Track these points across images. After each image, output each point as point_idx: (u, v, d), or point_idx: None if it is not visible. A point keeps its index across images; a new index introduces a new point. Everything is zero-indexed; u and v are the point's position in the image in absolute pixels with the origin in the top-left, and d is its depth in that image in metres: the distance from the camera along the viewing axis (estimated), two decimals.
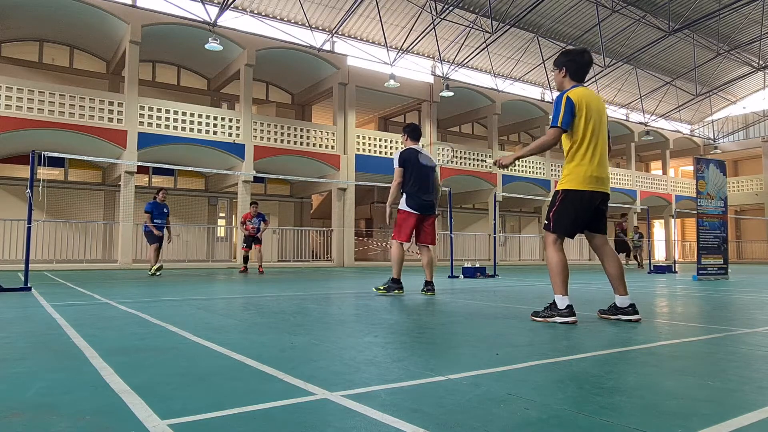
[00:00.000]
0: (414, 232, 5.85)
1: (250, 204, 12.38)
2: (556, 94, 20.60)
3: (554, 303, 3.58)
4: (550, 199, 3.78)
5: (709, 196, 10.11)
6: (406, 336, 3.10)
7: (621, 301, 3.67)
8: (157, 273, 10.12)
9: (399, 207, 5.86)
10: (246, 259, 12.32)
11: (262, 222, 11.95)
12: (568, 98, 3.57)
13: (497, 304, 5.01)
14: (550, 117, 3.65)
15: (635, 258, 18.68)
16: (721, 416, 1.56)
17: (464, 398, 1.74)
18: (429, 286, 5.93)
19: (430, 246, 5.95)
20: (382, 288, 5.94)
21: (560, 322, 3.49)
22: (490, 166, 4.72)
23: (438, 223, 24.55)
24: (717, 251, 10.21)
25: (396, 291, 5.85)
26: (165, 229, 10.53)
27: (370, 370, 2.16)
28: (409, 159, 5.84)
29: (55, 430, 1.43)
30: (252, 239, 12.00)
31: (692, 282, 9.09)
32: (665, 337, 3.08)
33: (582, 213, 3.63)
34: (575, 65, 3.74)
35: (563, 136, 3.65)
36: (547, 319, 3.57)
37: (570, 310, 3.51)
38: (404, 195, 5.82)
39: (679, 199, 29.56)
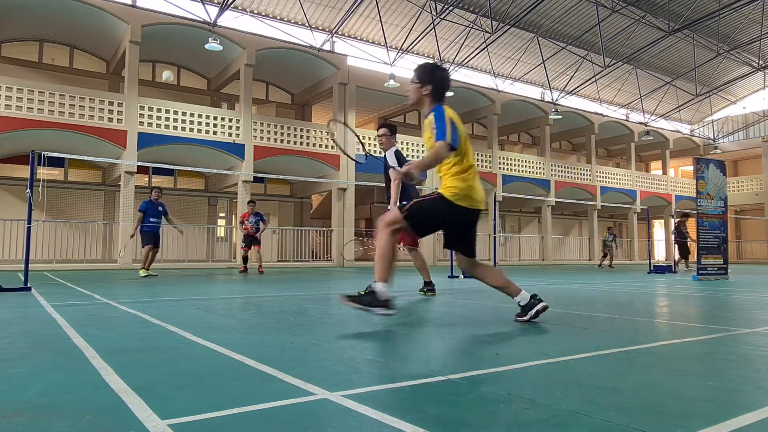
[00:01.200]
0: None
1: (248, 203, 12.39)
2: (555, 93, 20.47)
3: (374, 291, 3.21)
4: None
5: (709, 196, 10.11)
6: (406, 336, 3.10)
7: (521, 297, 3.49)
8: (146, 276, 9.92)
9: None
10: (245, 259, 12.31)
11: (261, 222, 11.93)
12: (447, 115, 3.32)
13: (497, 304, 5.01)
14: (434, 131, 3.28)
15: (606, 257, 18.47)
16: (720, 416, 1.56)
17: (464, 398, 1.74)
18: (429, 286, 5.92)
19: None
20: (426, 291, 5.91)
21: (379, 314, 3.21)
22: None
23: None
24: (717, 251, 10.20)
25: (430, 293, 5.86)
26: (166, 226, 10.50)
27: (370, 370, 2.16)
28: (403, 159, 5.72)
29: (55, 430, 1.43)
30: (251, 239, 11.98)
31: (692, 282, 9.09)
32: (665, 337, 3.08)
33: (445, 224, 3.50)
34: (441, 87, 3.51)
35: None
36: (365, 307, 3.20)
37: (391, 301, 3.25)
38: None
39: (679, 199, 29.56)
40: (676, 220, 14.92)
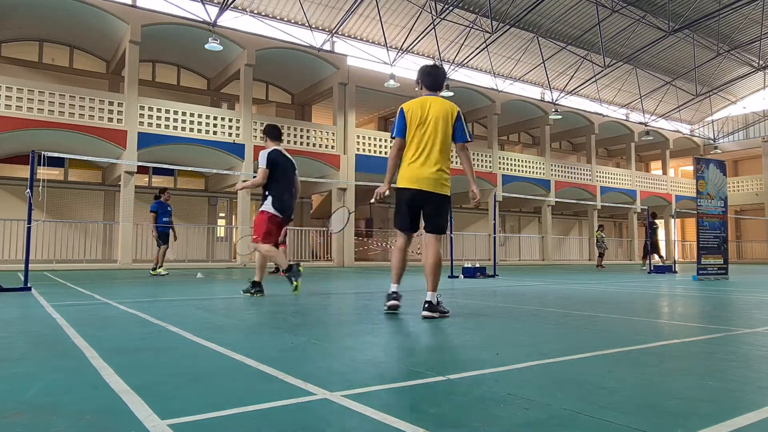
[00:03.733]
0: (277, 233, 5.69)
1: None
2: (555, 93, 20.43)
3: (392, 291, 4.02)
4: None
5: (709, 196, 10.11)
6: (406, 336, 3.10)
7: (427, 296, 3.83)
8: (163, 273, 10.22)
9: (264, 209, 5.55)
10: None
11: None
12: (401, 110, 3.98)
13: (497, 304, 5.01)
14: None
15: (601, 257, 18.44)
16: (720, 416, 1.56)
17: (464, 398, 1.74)
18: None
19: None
20: (251, 291, 5.59)
21: (388, 305, 3.94)
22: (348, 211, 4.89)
23: None
24: (717, 251, 10.20)
25: (258, 294, 5.54)
26: (170, 229, 10.65)
27: (370, 370, 2.16)
28: (277, 161, 5.57)
29: (55, 430, 1.43)
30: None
31: (692, 282, 9.09)
32: (665, 337, 3.08)
33: (407, 209, 3.97)
34: (428, 79, 4.07)
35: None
36: (386, 305, 3.97)
37: (389, 297, 3.99)
38: (270, 197, 5.54)
39: (679, 199, 29.55)
40: (652, 220, 14.93)
